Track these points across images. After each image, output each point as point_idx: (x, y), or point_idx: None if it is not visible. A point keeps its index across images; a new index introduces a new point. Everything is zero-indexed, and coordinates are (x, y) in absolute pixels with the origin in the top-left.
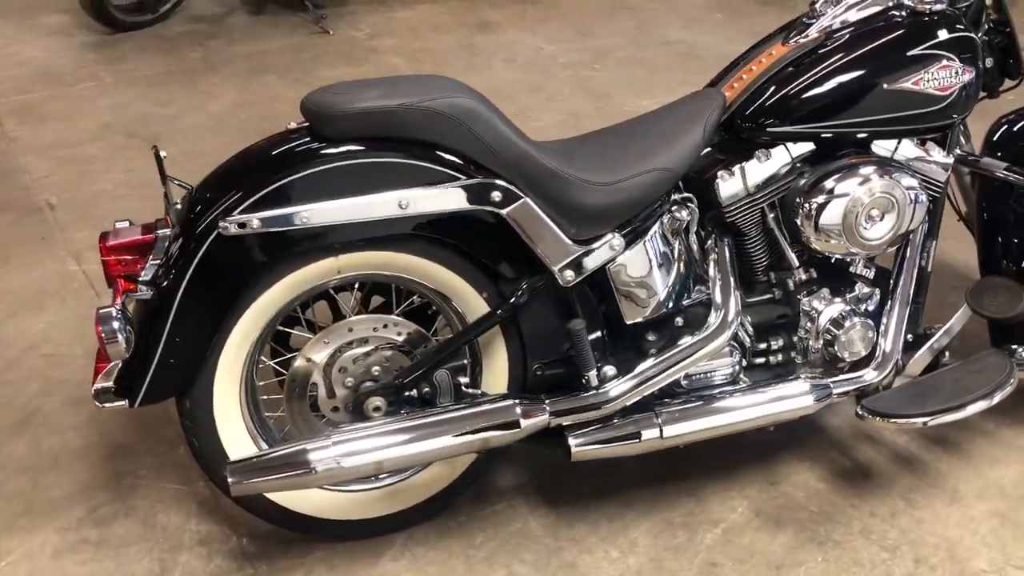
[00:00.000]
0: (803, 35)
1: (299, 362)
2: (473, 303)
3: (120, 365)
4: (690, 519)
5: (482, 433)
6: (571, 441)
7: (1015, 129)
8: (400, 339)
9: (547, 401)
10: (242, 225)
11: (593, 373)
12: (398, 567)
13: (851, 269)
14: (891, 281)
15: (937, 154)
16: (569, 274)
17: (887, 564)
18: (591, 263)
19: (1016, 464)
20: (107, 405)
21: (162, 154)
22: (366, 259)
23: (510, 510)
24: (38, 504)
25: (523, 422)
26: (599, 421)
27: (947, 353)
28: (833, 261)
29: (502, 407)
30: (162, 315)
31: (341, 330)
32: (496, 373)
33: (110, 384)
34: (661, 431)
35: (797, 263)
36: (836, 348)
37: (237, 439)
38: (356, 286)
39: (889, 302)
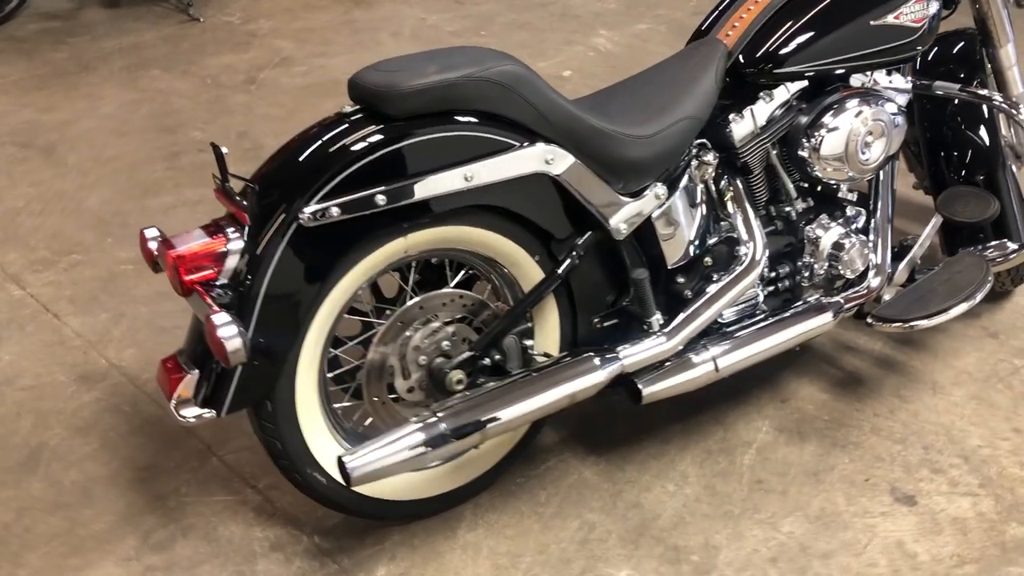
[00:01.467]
0: None
1: (376, 346)
2: (526, 267)
3: (198, 375)
4: (724, 444)
5: (571, 387)
6: (640, 385)
7: (951, 51)
8: (466, 311)
9: (619, 350)
10: (321, 214)
11: (655, 318)
12: (477, 536)
13: (839, 195)
14: (871, 202)
15: (900, 81)
16: (623, 227)
17: (902, 455)
18: (641, 214)
19: (973, 352)
20: (192, 419)
21: (223, 150)
22: (432, 236)
23: (562, 464)
24: (84, 541)
25: (604, 373)
26: (658, 363)
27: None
28: (823, 189)
29: (585, 361)
30: (245, 318)
31: (412, 310)
32: (547, 332)
33: (189, 397)
34: (716, 364)
35: (795, 194)
36: (840, 267)
37: (320, 436)
38: (413, 264)
39: (873, 220)
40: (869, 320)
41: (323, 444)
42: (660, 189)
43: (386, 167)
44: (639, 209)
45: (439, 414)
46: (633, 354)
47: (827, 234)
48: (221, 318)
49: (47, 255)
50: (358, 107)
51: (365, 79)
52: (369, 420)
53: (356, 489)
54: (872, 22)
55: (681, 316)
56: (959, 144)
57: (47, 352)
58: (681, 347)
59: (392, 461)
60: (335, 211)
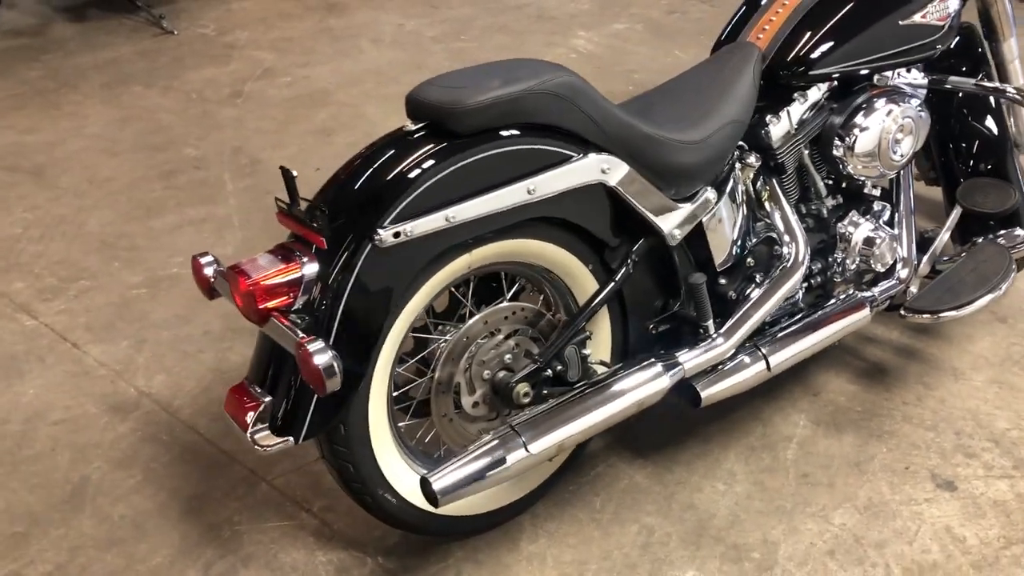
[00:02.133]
0: None
1: (443, 361)
2: (580, 277)
3: (272, 403)
4: (766, 440)
5: (639, 394)
6: (699, 388)
7: (954, 46)
8: (525, 323)
9: (678, 355)
10: (397, 234)
11: (710, 322)
12: (539, 546)
13: (864, 191)
14: (895, 196)
15: (918, 78)
16: (677, 233)
17: (936, 441)
18: (693, 219)
19: (986, 337)
20: (270, 448)
21: (294, 173)
22: (494, 250)
23: (611, 470)
24: None
25: (668, 378)
26: (713, 365)
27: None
28: (850, 187)
29: (649, 367)
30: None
31: (477, 325)
32: (601, 340)
33: (266, 428)
34: (767, 363)
35: (825, 192)
36: (872, 262)
37: (389, 456)
38: (472, 279)
39: (897, 214)
40: (902, 312)
41: (393, 464)
42: (711, 193)
43: (455, 184)
44: (692, 214)
45: (516, 428)
46: (693, 358)
47: (858, 230)
48: (316, 345)
49: (54, 282)
50: (421, 124)
51: (427, 96)
52: (428, 438)
53: (420, 506)
54: (901, 21)
55: (735, 318)
56: (967, 136)
57: (73, 383)
58: (733, 349)
59: (475, 478)
60: (410, 230)
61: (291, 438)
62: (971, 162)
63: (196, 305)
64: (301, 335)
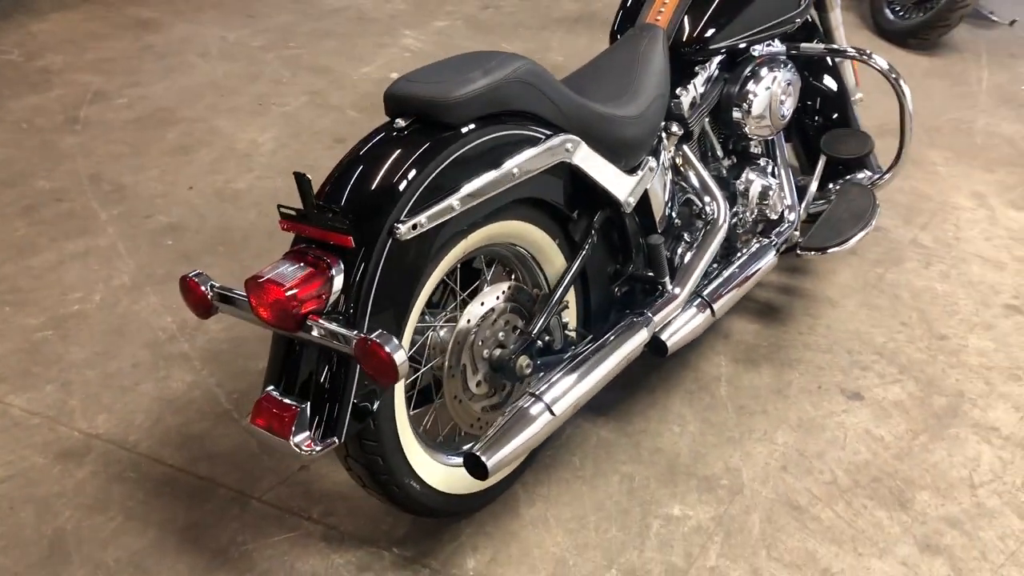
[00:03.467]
0: None
1: (452, 346)
2: (549, 252)
3: (308, 408)
4: (699, 383)
5: (626, 350)
6: (664, 339)
7: None
8: (512, 301)
9: (646, 311)
10: (414, 226)
11: (667, 279)
12: (538, 510)
13: (750, 150)
14: (774, 152)
15: (779, 47)
16: (632, 200)
17: (835, 361)
18: (642, 186)
19: (845, 269)
20: (318, 450)
21: (308, 177)
22: (484, 234)
23: (579, 431)
24: None
25: (646, 332)
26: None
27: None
28: (740, 147)
29: (632, 326)
30: None
31: (475, 306)
32: (570, 308)
33: (307, 433)
34: (712, 309)
35: (721, 154)
36: (768, 211)
37: (412, 444)
38: (458, 265)
39: (777, 168)
40: (798, 252)
41: (415, 452)
42: (652, 162)
43: (455, 173)
44: (640, 182)
45: (538, 395)
46: (659, 312)
47: (753, 185)
48: (384, 337)
49: None
50: (411, 119)
51: (413, 92)
52: (428, 423)
53: (440, 489)
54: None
55: (683, 272)
56: (812, 94)
57: (5, 438)
58: (687, 300)
59: (516, 446)
60: (424, 221)
61: (335, 438)
62: (817, 116)
63: (112, 339)
64: (358, 332)
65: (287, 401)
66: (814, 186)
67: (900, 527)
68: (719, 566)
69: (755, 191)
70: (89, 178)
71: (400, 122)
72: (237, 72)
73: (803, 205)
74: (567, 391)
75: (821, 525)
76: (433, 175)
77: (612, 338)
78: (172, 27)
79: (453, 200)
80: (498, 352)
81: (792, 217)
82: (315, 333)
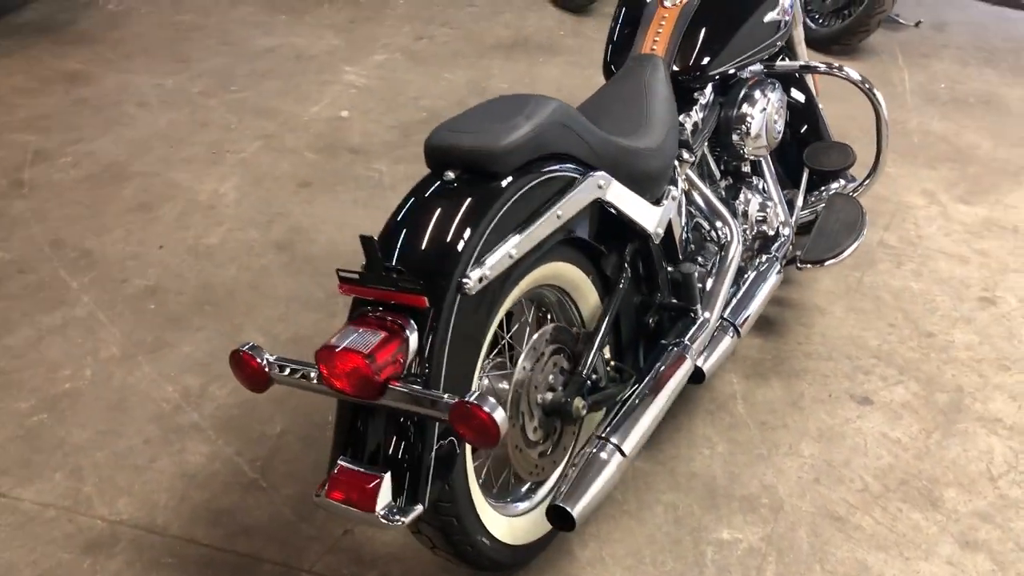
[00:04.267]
0: None
1: (512, 395)
2: (584, 289)
3: (388, 476)
4: (717, 402)
5: (675, 383)
6: (700, 364)
7: None
8: (559, 343)
9: (686, 340)
10: (481, 279)
11: (699, 306)
12: (592, 551)
13: (742, 170)
14: (763, 168)
15: (758, 68)
16: (660, 231)
17: (839, 368)
18: (667, 216)
19: (824, 275)
20: (405, 520)
21: (374, 238)
22: (532, 278)
23: None
24: None
25: (690, 362)
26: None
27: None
28: (730, 168)
29: (676, 357)
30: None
31: (530, 352)
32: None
33: (391, 503)
34: (738, 331)
35: (718, 176)
36: (766, 228)
37: (482, 502)
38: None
39: (767, 183)
40: (798, 265)
41: (484, 508)
42: (675, 191)
43: (509, 221)
44: (665, 212)
45: (606, 438)
46: (695, 338)
47: (751, 204)
48: (482, 399)
49: None
50: (459, 170)
51: (460, 143)
52: (484, 472)
53: (507, 542)
54: (764, 19)
55: (711, 297)
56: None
57: (22, 535)
58: (717, 325)
59: (596, 492)
60: (488, 273)
61: (419, 505)
62: (790, 129)
63: (114, 415)
64: (451, 395)
65: (365, 471)
66: (801, 199)
67: (937, 527)
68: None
69: (753, 210)
70: (50, 244)
71: (449, 174)
72: (182, 120)
73: (793, 218)
74: (632, 430)
75: (864, 533)
76: (491, 226)
77: (662, 370)
78: (103, 77)
79: (511, 249)
80: (550, 396)
81: (787, 232)
82: (398, 399)
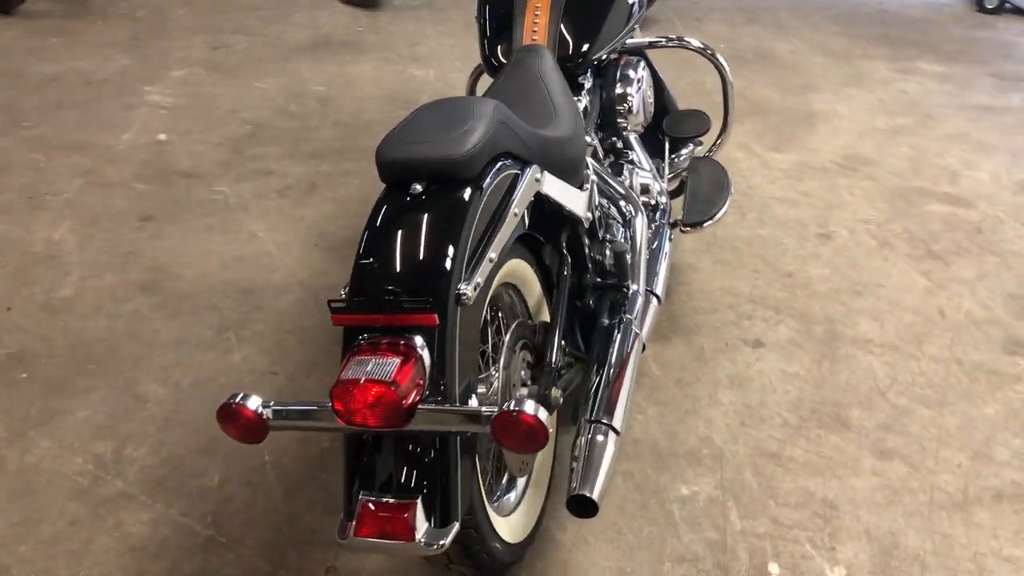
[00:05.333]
0: None
1: (501, 394)
2: (531, 282)
3: (421, 501)
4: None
5: (635, 357)
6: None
7: None
8: (523, 337)
9: (627, 315)
10: (475, 287)
11: (630, 281)
12: (572, 533)
13: (618, 145)
14: (634, 143)
15: (623, 47)
16: (589, 215)
17: (725, 318)
18: (593, 199)
19: (687, 237)
20: (445, 543)
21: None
22: (499, 278)
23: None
24: None
25: (642, 336)
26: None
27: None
28: (609, 145)
29: (627, 331)
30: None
31: (507, 352)
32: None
33: (428, 527)
34: (659, 298)
35: (603, 154)
36: (650, 199)
37: (489, 509)
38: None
39: (640, 157)
40: (682, 229)
41: (492, 514)
42: (592, 175)
43: (484, 226)
44: (590, 196)
45: (597, 421)
46: (632, 311)
47: (635, 178)
48: (523, 402)
49: None
50: (426, 182)
51: (421, 154)
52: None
53: (510, 542)
54: (628, 2)
55: (635, 271)
56: None
57: None
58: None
59: (605, 473)
60: (480, 280)
61: (455, 522)
62: None
63: (25, 502)
64: (491, 408)
65: (395, 501)
66: (667, 167)
67: (854, 445)
68: (746, 527)
69: (637, 183)
70: None
71: (417, 187)
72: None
73: (665, 185)
74: (617, 408)
75: (798, 463)
76: (471, 234)
77: (619, 347)
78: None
79: (491, 253)
80: (526, 391)
81: (665, 200)
82: (429, 422)
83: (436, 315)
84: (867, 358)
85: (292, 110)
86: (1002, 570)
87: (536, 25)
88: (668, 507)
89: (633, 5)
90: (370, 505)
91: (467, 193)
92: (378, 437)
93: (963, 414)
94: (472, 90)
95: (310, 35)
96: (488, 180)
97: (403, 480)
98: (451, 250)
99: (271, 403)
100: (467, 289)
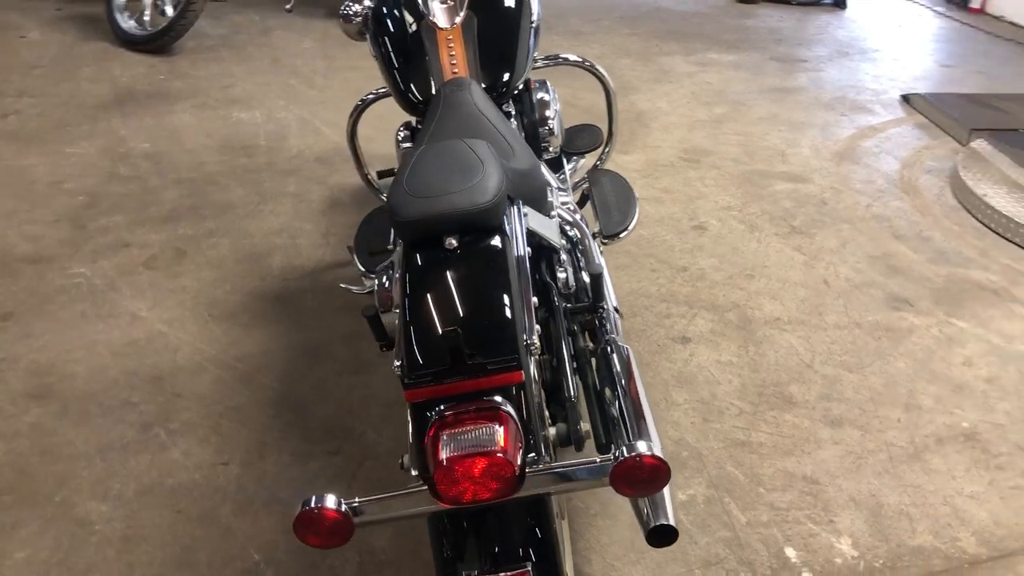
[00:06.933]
0: (451, 16)
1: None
2: None
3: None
4: None
5: (639, 374)
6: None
7: None
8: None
9: (612, 335)
10: (538, 335)
11: (605, 302)
12: (598, 565)
13: (545, 158)
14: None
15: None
16: (564, 241)
17: (650, 321)
18: (560, 225)
19: None
20: None
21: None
22: None
23: None
24: None
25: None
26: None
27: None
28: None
29: (620, 350)
30: None
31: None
32: None
33: None
34: (620, 313)
35: None
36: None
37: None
38: None
39: (557, 176)
40: (602, 242)
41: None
42: (555, 198)
43: (521, 272)
44: (558, 220)
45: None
46: (615, 331)
47: (569, 188)
48: (644, 445)
49: None
50: (458, 235)
51: (451, 208)
52: None
53: None
54: (531, 23)
55: (600, 289)
56: None
57: None
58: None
59: (670, 498)
60: (538, 327)
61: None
62: None
63: None
64: (608, 456)
65: (508, 574)
66: (570, 181)
67: (807, 420)
68: (750, 519)
69: (557, 201)
70: None
71: (452, 241)
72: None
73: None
74: (649, 430)
75: (768, 447)
76: (520, 281)
77: (618, 368)
78: None
79: (533, 298)
80: (554, 431)
81: (579, 215)
82: (542, 484)
83: (521, 371)
84: (783, 336)
85: (123, 173)
86: (970, 507)
87: (454, 58)
88: (676, 516)
89: (535, 26)
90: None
91: (500, 241)
92: (480, 511)
93: (882, 372)
94: (354, 129)
95: (109, 89)
96: (508, 224)
97: (511, 550)
98: (510, 302)
99: (348, 501)
100: (534, 338)
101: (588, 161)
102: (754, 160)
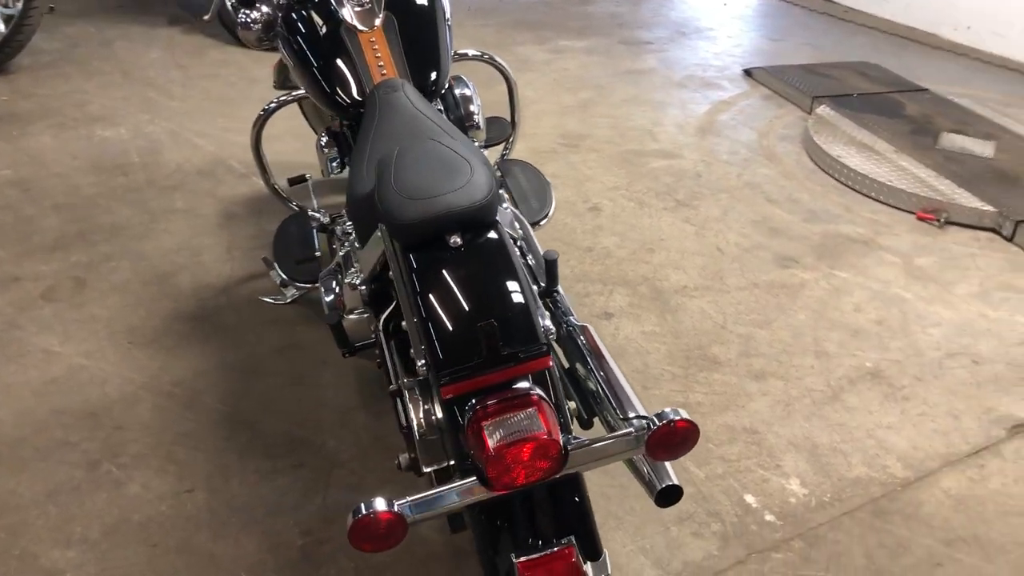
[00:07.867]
0: (370, 18)
1: None
2: None
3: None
4: None
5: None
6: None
7: None
8: None
9: (571, 316)
10: (551, 321)
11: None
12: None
13: None
14: None
15: None
16: (522, 233)
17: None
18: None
19: None
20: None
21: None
22: None
23: None
24: None
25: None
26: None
27: None
28: None
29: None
30: None
31: None
32: None
33: (584, 565)
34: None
35: None
36: None
37: None
38: None
39: None
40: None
41: None
42: (503, 192)
43: (524, 261)
44: (510, 211)
45: (630, 418)
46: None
47: None
48: (672, 410)
49: None
50: (460, 232)
51: (450, 206)
52: None
53: None
54: (446, 20)
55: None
56: None
57: None
58: None
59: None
60: (547, 312)
61: (604, 551)
62: None
63: None
64: (642, 423)
65: (553, 551)
66: None
67: (735, 376)
68: (707, 473)
69: None
70: None
71: (456, 239)
72: None
73: None
74: (632, 399)
75: (708, 406)
76: (524, 271)
77: (587, 345)
78: None
79: (535, 285)
80: (573, 405)
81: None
82: (586, 459)
83: (549, 357)
84: (694, 302)
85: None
86: (890, 436)
87: (380, 59)
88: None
89: (450, 23)
90: (532, 565)
91: (499, 233)
92: (518, 496)
93: (788, 326)
94: (258, 139)
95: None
96: (499, 217)
97: (555, 527)
98: (523, 291)
99: (404, 500)
100: (549, 323)
101: (493, 153)
102: (627, 140)
